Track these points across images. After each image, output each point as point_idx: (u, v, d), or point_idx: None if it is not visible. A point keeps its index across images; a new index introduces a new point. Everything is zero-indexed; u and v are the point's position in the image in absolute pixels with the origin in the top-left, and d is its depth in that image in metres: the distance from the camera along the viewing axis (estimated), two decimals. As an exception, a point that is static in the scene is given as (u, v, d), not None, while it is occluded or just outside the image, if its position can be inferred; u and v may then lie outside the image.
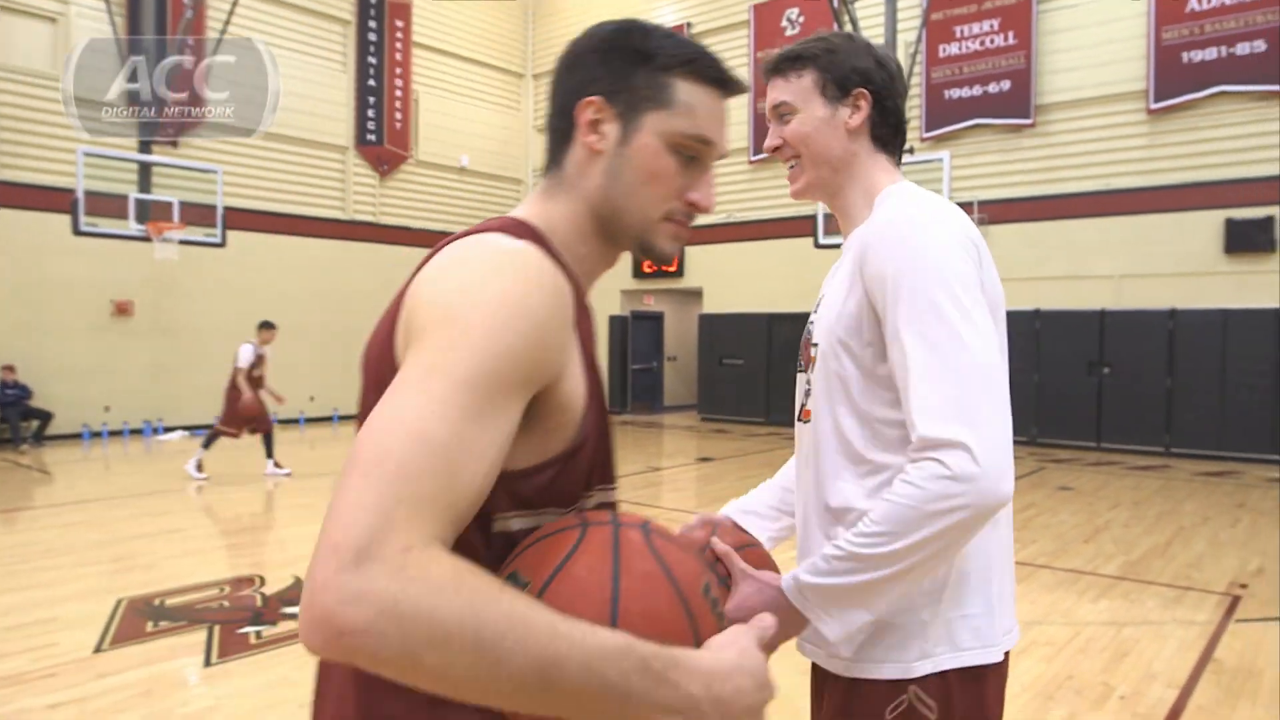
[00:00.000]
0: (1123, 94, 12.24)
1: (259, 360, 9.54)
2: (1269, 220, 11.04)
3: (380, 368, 0.89)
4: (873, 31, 13.13)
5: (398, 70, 16.79)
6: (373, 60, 16.44)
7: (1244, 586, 5.57)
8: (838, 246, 1.52)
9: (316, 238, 15.62)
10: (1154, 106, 11.94)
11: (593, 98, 0.98)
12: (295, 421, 15.00)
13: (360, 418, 0.88)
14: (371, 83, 16.43)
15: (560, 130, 1.02)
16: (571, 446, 0.90)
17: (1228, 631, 4.68)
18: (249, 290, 14.28)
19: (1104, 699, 3.76)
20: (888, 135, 1.41)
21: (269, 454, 9.77)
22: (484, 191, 18.58)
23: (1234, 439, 11.29)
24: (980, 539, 1.26)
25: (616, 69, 0.98)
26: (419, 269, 0.92)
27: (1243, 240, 11.22)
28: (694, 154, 1.00)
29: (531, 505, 0.89)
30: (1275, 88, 11.07)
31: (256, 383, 9.49)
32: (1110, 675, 4.03)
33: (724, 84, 1.01)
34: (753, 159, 15.74)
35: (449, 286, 0.84)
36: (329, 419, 15.51)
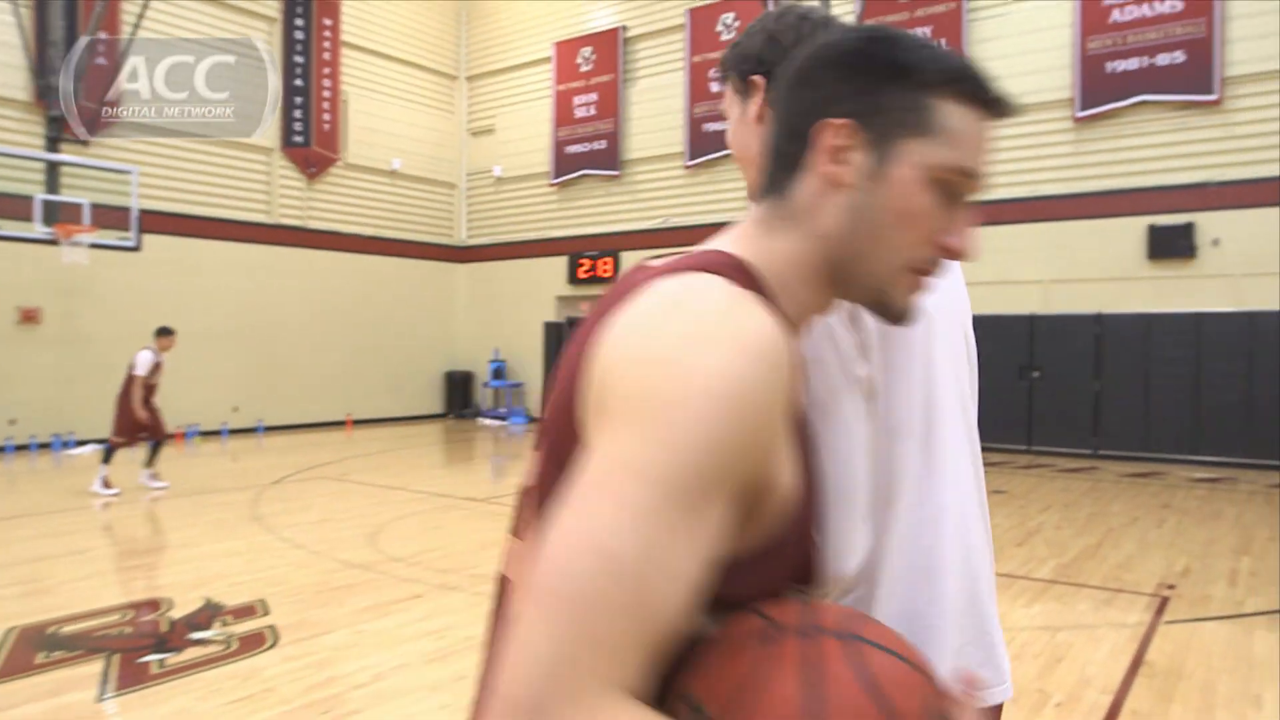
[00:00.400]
0: (1050, 102, 12.47)
1: (156, 368, 9.14)
2: (1189, 227, 11.34)
3: (557, 434, 0.76)
4: (807, 38, 13.17)
5: (326, 70, 16.33)
6: (300, 59, 15.96)
7: (1172, 587, 5.63)
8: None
9: (240, 242, 15.04)
10: (1079, 115, 12.20)
11: (838, 120, 0.82)
12: (218, 433, 14.44)
13: (535, 487, 0.81)
14: (299, 82, 15.93)
15: (788, 155, 0.86)
16: (773, 543, 0.77)
17: (1158, 633, 4.71)
18: (167, 296, 13.67)
19: (1041, 706, 3.72)
20: None
21: (149, 463, 9.34)
22: (417, 196, 18.18)
23: (1158, 440, 11.57)
24: (900, 604, 1.04)
25: (864, 86, 0.82)
26: (610, 302, 0.78)
27: (1165, 247, 11.52)
28: (956, 190, 0.83)
29: (718, 605, 0.75)
30: (1194, 97, 11.40)
31: (151, 391, 9.11)
32: (1046, 682, 3.99)
33: (995, 105, 0.84)
34: (688, 163, 15.69)
35: (649, 352, 0.70)
36: (253, 430, 14.96)
